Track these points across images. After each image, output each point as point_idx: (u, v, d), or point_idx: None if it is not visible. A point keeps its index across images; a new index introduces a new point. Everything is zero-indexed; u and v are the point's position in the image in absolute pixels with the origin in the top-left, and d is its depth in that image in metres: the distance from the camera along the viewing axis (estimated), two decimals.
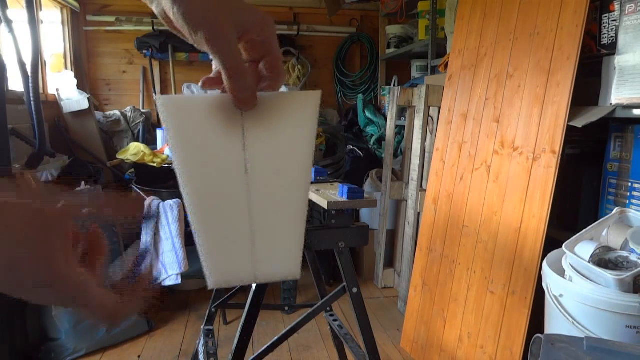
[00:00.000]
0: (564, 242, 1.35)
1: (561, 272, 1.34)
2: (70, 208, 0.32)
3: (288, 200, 0.39)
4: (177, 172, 0.37)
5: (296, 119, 0.38)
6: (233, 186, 0.38)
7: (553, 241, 1.51)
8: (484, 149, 1.88)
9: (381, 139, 3.42)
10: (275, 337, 1.44)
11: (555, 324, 1.32)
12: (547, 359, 0.81)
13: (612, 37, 1.51)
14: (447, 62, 2.27)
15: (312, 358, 2.18)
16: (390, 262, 3.04)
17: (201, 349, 1.64)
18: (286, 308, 2.53)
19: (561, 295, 1.29)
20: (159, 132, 3.11)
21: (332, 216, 1.37)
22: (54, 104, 3.12)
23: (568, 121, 1.50)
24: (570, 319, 1.24)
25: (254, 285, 1.30)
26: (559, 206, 1.65)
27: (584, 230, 1.39)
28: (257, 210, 0.38)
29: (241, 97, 0.37)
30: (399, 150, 3.23)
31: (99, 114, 3.40)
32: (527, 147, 1.65)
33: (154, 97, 3.80)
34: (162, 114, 0.36)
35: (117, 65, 3.76)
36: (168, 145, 0.44)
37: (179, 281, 2.27)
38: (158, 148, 2.94)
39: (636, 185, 1.50)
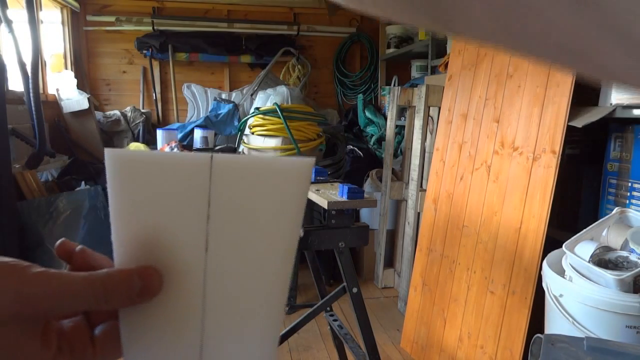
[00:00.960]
0: (564, 242, 1.35)
1: (561, 272, 1.34)
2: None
3: (259, 294, 0.31)
4: (112, 242, 0.30)
5: (280, 195, 0.30)
6: (185, 266, 0.30)
7: (553, 241, 1.51)
8: (484, 149, 1.88)
9: (381, 139, 3.43)
10: None
11: (555, 324, 1.32)
12: (547, 359, 0.81)
13: None
14: (447, 62, 2.27)
15: (312, 358, 2.18)
16: (390, 262, 3.04)
17: None
18: (286, 308, 2.53)
19: (561, 295, 1.29)
20: (159, 132, 3.11)
21: (332, 216, 1.37)
22: (54, 104, 3.12)
23: (568, 121, 1.50)
24: (570, 319, 1.24)
25: None
26: (559, 206, 1.65)
27: (584, 230, 1.39)
28: (213, 305, 0.30)
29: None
30: (399, 150, 3.23)
31: (99, 114, 3.40)
32: (527, 147, 1.65)
33: (151, 101, 3.80)
34: (109, 171, 0.29)
35: (117, 65, 3.77)
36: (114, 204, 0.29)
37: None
38: (158, 148, 2.94)
39: (636, 185, 1.50)
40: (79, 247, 0.32)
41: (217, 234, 0.30)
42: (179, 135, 3.19)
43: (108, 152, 0.29)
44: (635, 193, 1.50)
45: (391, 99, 2.82)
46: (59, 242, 0.32)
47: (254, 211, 0.30)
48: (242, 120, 3.20)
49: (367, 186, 3.08)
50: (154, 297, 0.29)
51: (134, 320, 0.30)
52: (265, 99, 3.36)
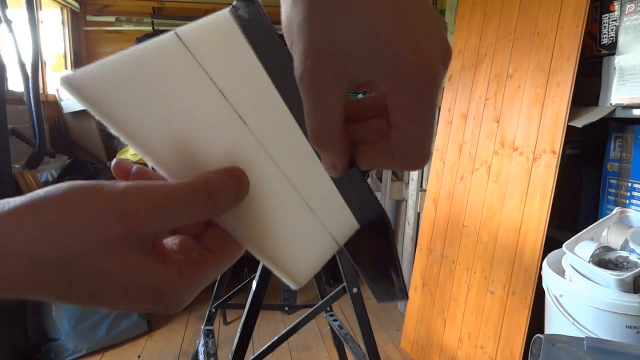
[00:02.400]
0: (564, 242, 1.35)
1: (561, 272, 1.34)
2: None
3: (303, 137, 0.29)
4: (157, 170, 0.27)
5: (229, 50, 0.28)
6: (245, 150, 0.28)
7: (553, 241, 1.51)
8: (484, 149, 1.88)
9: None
10: (275, 337, 1.44)
11: (555, 324, 1.32)
12: (547, 359, 0.81)
13: (612, 37, 1.51)
14: None
15: (312, 358, 2.18)
16: None
17: (201, 349, 1.64)
18: (286, 308, 2.53)
19: (561, 295, 1.29)
20: None
21: None
22: (54, 104, 3.12)
23: (568, 121, 1.50)
24: (570, 319, 1.24)
25: (254, 285, 1.30)
26: (559, 206, 1.65)
27: (584, 230, 1.39)
28: (286, 164, 0.28)
29: (323, 163, 0.27)
30: None
31: None
32: (527, 147, 1.65)
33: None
34: (90, 105, 0.25)
35: None
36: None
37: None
38: None
39: (636, 185, 1.50)
40: (135, 166, 0.29)
41: (240, 103, 0.28)
42: None
43: (65, 81, 0.24)
44: (635, 193, 1.50)
45: None
46: (114, 161, 0.29)
47: (245, 68, 0.28)
48: None
49: None
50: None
51: (237, 217, 0.27)
52: None
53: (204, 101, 0.27)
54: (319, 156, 0.28)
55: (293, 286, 0.29)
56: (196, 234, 0.28)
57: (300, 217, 0.29)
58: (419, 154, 0.25)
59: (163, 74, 0.26)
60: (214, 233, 0.28)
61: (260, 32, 0.28)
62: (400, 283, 0.32)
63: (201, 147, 0.27)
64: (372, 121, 0.27)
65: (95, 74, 0.25)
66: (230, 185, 0.26)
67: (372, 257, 0.32)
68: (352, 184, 0.30)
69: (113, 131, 0.26)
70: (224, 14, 0.28)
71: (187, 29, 0.27)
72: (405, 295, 0.32)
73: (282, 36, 0.27)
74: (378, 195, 2.84)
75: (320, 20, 0.23)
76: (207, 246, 0.27)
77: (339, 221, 0.30)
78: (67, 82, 0.24)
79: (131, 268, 0.24)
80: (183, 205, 0.25)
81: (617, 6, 1.47)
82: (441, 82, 0.24)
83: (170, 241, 0.28)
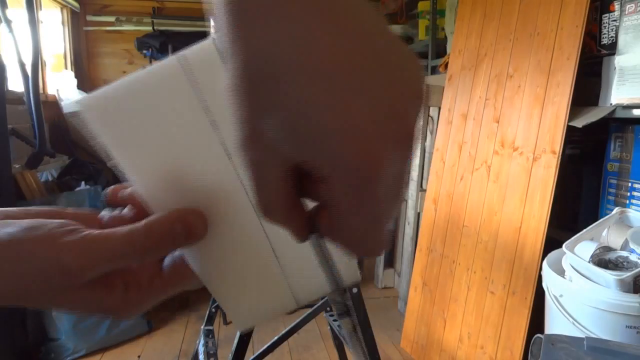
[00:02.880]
0: (564, 242, 1.34)
1: (561, 272, 1.34)
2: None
3: None
4: (139, 194, 0.28)
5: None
6: (227, 187, 0.27)
7: (553, 241, 1.51)
8: (484, 149, 1.88)
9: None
10: (275, 337, 1.44)
11: (555, 324, 1.32)
12: (547, 359, 0.81)
13: (612, 37, 1.51)
14: (447, 62, 2.27)
15: (312, 358, 2.18)
16: (390, 262, 3.04)
17: (201, 349, 1.64)
18: None
19: (561, 296, 1.29)
20: None
21: None
22: (54, 104, 3.12)
23: (568, 121, 1.50)
24: (571, 319, 1.24)
25: None
26: (559, 206, 1.64)
27: (584, 230, 1.39)
28: None
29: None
30: None
31: None
32: (527, 147, 1.65)
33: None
34: (93, 123, 0.26)
35: (117, 65, 3.76)
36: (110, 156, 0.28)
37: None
38: None
39: (636, 185, 1.50)
40: (128, 189, 0.30)
41: (228, 137, 0.27)
42: None
43: (83, 103, 0.25)
44: (635, 193, 1.50)
45: None
46: (109, 189, 0.31)
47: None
48: None
49: None
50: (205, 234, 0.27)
51: (198, 251, 0.28)
52: None
53: (197, 131, 0.27)
54: None
55: (237, 326, 0.30)
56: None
57: (264, 267, 0.28)
58: (363, 246, 0.23)
59: (163, 102, 0.27)
60: (171, 260, 0.30)
61: None
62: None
63: (187, 178, 0.27)
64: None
65: (102, 100, 0.26)
66: (177, 230, 0.27)
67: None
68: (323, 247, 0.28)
69: (110, 154, 0.26)
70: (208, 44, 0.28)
71: (190, 54, 0.27)
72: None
73: None
74: None
75: (265, 92, 0.19)
76: (165, 267, 0.29)
77: (306, 283, 0.29)
78: (87, 106, 0.26)
79: (78, 302, 0.27)
80: (120, 256, 0.27)
81: (617, 6, 1.47)
82: (401, 165, 0.21)
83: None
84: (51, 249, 0.26)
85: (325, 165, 0.20)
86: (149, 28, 3.64)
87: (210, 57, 0.27)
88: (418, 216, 2.54)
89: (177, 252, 0.30)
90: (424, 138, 2.54)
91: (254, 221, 0.28)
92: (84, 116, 0.26)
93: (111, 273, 0.28)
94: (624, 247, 1.31)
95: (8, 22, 2.11)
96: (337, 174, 0.20)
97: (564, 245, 1.33)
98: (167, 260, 0.30)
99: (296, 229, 0.23)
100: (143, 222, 0.27)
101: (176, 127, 0.27)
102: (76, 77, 3.36)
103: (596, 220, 1.43)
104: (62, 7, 3.47)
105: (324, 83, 0.18)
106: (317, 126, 0.19)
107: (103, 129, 0.26)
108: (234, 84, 0.19)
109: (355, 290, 1.41)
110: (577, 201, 1.77)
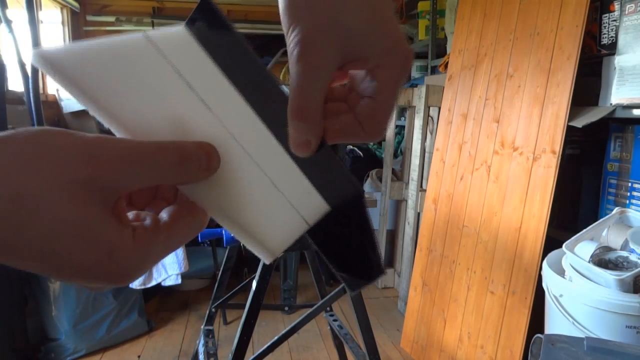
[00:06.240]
0: (564, 242, 1.35)
1: (561, 272, 1.34)
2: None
3: (266, 129, 0.31)
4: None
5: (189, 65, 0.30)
6: (213, 132, 0.29)
7: (553, 241, 1.51)
8: (484, 149, 1.88)
9: (381, 139, 3.43)
10: (275, 337, 1.44)
11: (555, 324, 1.32)
12: (547, 359, 0.81)
13: (612, 37, 1.51)
14: (447, 62, 2.27)
15: (312, 358, 2.18)
16: (390, 262, 3.04)
17: (201, 349, 1.64)
18: (286, 308, 2.53)
19: (561, 295, 1.29)
20: None
21: None
22: (54, 104, 3.12)
23: (568, 121, 1.50)
24: (570, 319, 1.24)
25: (254, 285, 1.30)
26: (559, 206, 1.65)
27: (584, 230, 1.39)
28: (253, 148, 0.30)
29: (295, 140, 0.28)
30: (399, 150, 3.23)
31: None
32: (527, 147, 1.65)
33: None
34: (60, 81, 0.26)
35: None
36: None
37: (179, 281, 2.27)
38: None
39: (636, 185, 1.50)
40: None
41: (209, 96, 0.29)
42: None
43: (38, 56, 0.25)
44: (635, 193, 1.50)
45: None
46: None
47: (208, 67, 0.30)
48: None
49: (367, 186, 3.08)
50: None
51: (208, 189, 0.28)
52: None
53: (171, 89, 0.28)
54: (284, 145, 0.30)
55: (266, 258, 0.30)
56: (157, 210, 0.28)
57: (269, 196, 0.30)
58: (385, 120, 0.29)
59: (134, 62, 0.28)
60: (170, 210, 0.28)
61: (223, 40, 0.31)
62: (377, 258, 0.32)
63: (175, 129, 0.28)
64: (337, 102, 0.30)
65: (69, 52, 0.26)
66: (202, 156, 0.26)
67: (346, 241, 0.33)
68: (322, 164, 0.31)
69: (85, 106, 0.26)
70: (181, 28, 0.30)
71: (155, 32, 0.30)
72: (380, 271, 0.33)
73: (241, 42, 0.31)
74: (378, 195, 2.85)
75: (330, 2, 0.27)
76: (163, 218, 0.27)
77: (308, 202, 0.31)
78: (42, 57, 0.25)
79: (88, 218, 0.22)
80: (153, 162, 0.25)
81: (617, 6, 1.47)
82: None
83: (128, 212, 0.28)
84: (73, 139, 0.23)
85: (385, 55, 0.28)
86: (149, 28, 3.62)
87: (178, 35, 0.30)
88: (418, 216, 2.54)
89: (173, 204, 0.29)
90: (424, 138, 2.54)
91: (248, 160, 0.30)
92: (54, 66, 0.26)
93: (120, 204, 0.25)
94: (624, 247, 1.31)
95: (8, 22, 2.11)
96: (392, 61, 0.28)
97: (564, 245, 1.33)
98: (167, 211, 0.28)
99: (318, 132, 0.28)
100: (170, 141, 0.26)
101: (151, 86, 0.28)
102: None
103: (596, 220, 1.43)
104: (62, 7, 3.47)
105: (388, 6, 0.28)
106: (386, 28, 0.28)
107: (70, 85, 0.26)
108: None
109: None
110: (577, 201, 1.77)
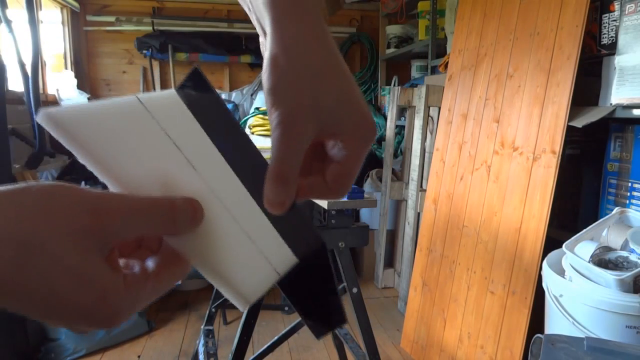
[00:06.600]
0: (564, 242, 1.34)
1: (561, 272, 1.34)
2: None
3: (241, 185, 0.35)
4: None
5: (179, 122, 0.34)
6: (196, 189, 0.32)
7: (553, 241, 1.51)
8: (484, 149, 1.88)
9: (381, 139, 3.42)
10: (275, 337, 1.44)
11: (555, 324, 1.32)
12: (547, 359, 0.81)
13: (612, 37, 1.51)
14: (447, 62, 2.27)
15: (312, 358, 2.18)
16: (390, 262, 3.04)
17: (201, 349, 1.64)
18: (286, 308, 2.53)
19: (561, 296, 1.29)
20: None
21: (332, 216, 1.37)
22: (54, 104, 3.12)
23: (568, 121, 1.50)
24: (570, 319, 1.24)
25: None
26: (559, 206, 1.65)
27: (584, 230, 1.39)
28: (230, 204, 0.33)
29: (271, 200, 0.31)
30: (399, 150, 3.23)
31: None
32: (527, 147, 1.65)
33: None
34: (66, 135, 0.28)
35: (117, 65, 3.76)
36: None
37: (179, 281, 2.27)
38: None
39: (636, 185, 1.50)
40: None
41: (194, 155, 0.32)
42: None
43: (44, 116, 0.28)
44: (635, 193, 1.50)
45: (391, 99, 2.82)
46: None
47: (192, 128, 0.34)
48: (242, 120, 3.19)
49: (367, 186, 3.08)
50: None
51: (191, 241, 0.31)
52: None
53: (160, 149, 0.32)
54: (258, 201, 0.34)
55: (240, 306, 0.33)
56: (142, 259, 0.31)
57: (244, 247, 0.33)
58: (350, 183, 0.34)
59: (127, 123, 0.31)
60: (156, 259, 0.31)
61: (208, 104, 0.36)
62: (338, 306, 0.36)
63: (164, 186, 0.31)
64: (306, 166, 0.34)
65: (74, 113, 0.29)
66: (189, 210, 0.30)
67: (311, 289, 0.36)
68: (291, 220, 0.35)
69: (87, 164, 0.29)
70: (172, 92, 0.35)
71: (145, 96, 0.33)
72: (342, 319, 0.36)
73: (223, 106, 0.36)
74: (378, 195, 2.85)
75: (308, 87, 0.31)
76: (150, 267, 0.30)
77: (278, 254, 0.35)
78: (47, 117, 0.28)
79: (87, 264, 0.25)
80: (148, 214, 0.28)
81: (617, 6, 1.47)
82: None
83: (119, 260, 0.31)
84: (79, 194, 0.26)
85: (354, 129, 0.33)
86: (149, 28, 3.63)
87: (168, 98, 0.34)
88: (418, 216, 2.54)
89: (159, 252, 0.32)
90: (424, 138, 2.54)
91: (227, 214, 0.33)
92: (49, 127, 0.28)
93: (115, 258, 0.29)
94: (624, 247, 1.31)
95: (8, 22, 2.11)
96: (360, 134, 0.33)
97: (564, 245, 1.33)
98: (153, 261, 0.31)
99: (292, 194, 0.31)
100: (162, 196, 0.29)
101: (142, 146, 0.31)
102: (76, 77, 3.36)
103: (596, 220, 1.43)
104: (62, 7, 3.46)
105: (353, 84, 0.33)
106: (355, 105, 0.33)
107: (72, 144, 0.29)
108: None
109: (355, 290, 1.41)
110: (577, 201, 1.77)
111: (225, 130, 0.35)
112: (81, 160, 0.29)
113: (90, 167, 0.29)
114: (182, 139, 0.32)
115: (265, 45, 0.33)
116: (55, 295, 0.24)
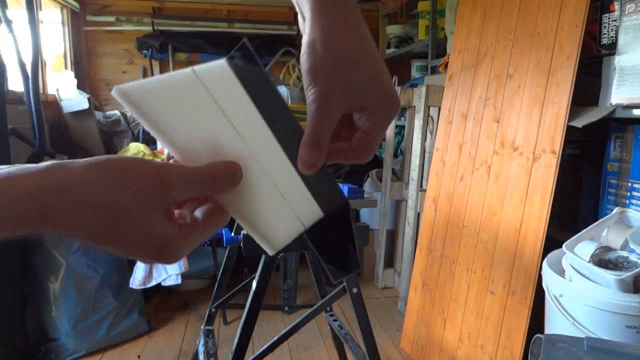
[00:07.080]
0: (564, 242, 1.34)
1: (561, 272, 1.34)
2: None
3: (280, 149, 0.40)
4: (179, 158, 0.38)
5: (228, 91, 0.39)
6: (239, 152, 0.38)
7: (553, 241, 1.51)
8: (484, 149, 1.88)
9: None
10: (275, 337, 1.44)
11: (555, 324, 1.32)
12: (547, 359, 0.81)
13: (612, 37, 1.51)
14: (447, 62, 2.27)
15: (312, 358, 2.18)
16: (390, 262, 3.04)
17: (201, 349, 1.64)
18: (286, 308, 2.53)
19: (561, 296, 1.29)
20: None
21: None
22: (54, 104, 3.12)
23: (568, 121, 1.50)
24: (570, 319, 1.24)
25: (254, 285, 1.30)
26: (559, 206, 1.65)
27: (584, 230, 1.39)
28: (268, 164, 0.39)
29: (305, 162, 0.37)
30: (399, 150, 3.23)
31: (99, 114, 3.40)
32: (527, 147, 1.65)
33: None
34: (131, 109, 0.35)
35: (117, 65, 3.76)
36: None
37: (179, 281, 2.27)
38: (158, 148, 2.94)
39: (636, 185, 1.50)
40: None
41: (239, 121, 0.38)
42: None
43: (117, 91, 0.34)
44: (635, 193, 1.50)
45: None
46: (166, 155, 0.40)
47: (240, 97, 0.39)
48: None
49: (367, 186, 3.08)
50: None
51: (232, 196, 0.37)
52: None
53: (210, 117, 0.37)
54: (293, 162, 0.39)
55: (269, 251, 0.39)
56: (192, 209, 0.39)
57: (276, 202, 0.39)
58: (374, 149, 0.40)
59: (182, 93, 0.37)
60: (203, 209, 0.38)
61: (254, 74, 0.40)
62: (355, 255, 0.42)
63: (211, 149, 0.37)
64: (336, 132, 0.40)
65: (139, 88, 0.35)
66: (229, 173, 0.36)
67: (333, 240, 0.42)
68: (320, 180, 0.41)
69: (150, 130, 0.36)
70: (223, 62, 0.40)
71: (199, 67, 0.38)
72: (357, 266, 0.42)
73: (267, 77, 0.41)
74: (378, 195, 2.84)
75: (342, 69, 0.36)
76: (198, 217, 0.38)
77: (307, 210, 0.41)
78: (119, 92, 0.34)
79: (154, 221, 0.33)
80: (196, 182, 0.35)
81: (617, 6, 1.47)
82: None
83: (174, 212, 0.38)
84: (146, 167, 0.33)
85: (380, 104, 0.38)
86: (149, 28, 3.63)
87: (220, 70, 0.39)
88: (418, 216, 2.54)
89: (205, 204, 0.39)
90: (424, 138, 2.54)
91: (263, 174, 0.39)
92: (130, 99, 0.34)
93: (172, 213, 0.36)
94: (624, 247, 1.31)
95: (8, 22, 2.11)
96: (385, 108, 0.39)
97: (564, 245, 1.33)
98: (200, 212, 0.38)
99: (324, 157, 0.37)
100: (207, 163, 0.36)
101: (193, 114, 0.37)
102: (76, 77, 3.36)
103: (596, 220, 1.43)
104: (62, 7, 3.46)
105: (381, 65, 0.39)
106: (381, 84, 0.38)
107: (138, 114, 0.35)
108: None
109: (355, 290, 1.41)
110: (577, 201, 1.77)
111: (267, 98, 0.40)
112: (147, 128, 0.36)
113: (153, 134, 0.36)
114: (230, 106, 0.38)
115: (304, 30, 0.37)
116: (134, 244, 0.33)
